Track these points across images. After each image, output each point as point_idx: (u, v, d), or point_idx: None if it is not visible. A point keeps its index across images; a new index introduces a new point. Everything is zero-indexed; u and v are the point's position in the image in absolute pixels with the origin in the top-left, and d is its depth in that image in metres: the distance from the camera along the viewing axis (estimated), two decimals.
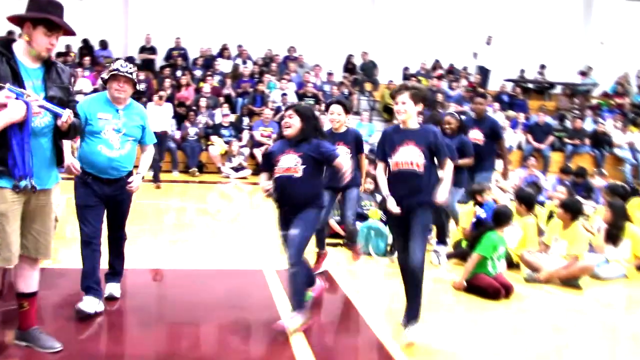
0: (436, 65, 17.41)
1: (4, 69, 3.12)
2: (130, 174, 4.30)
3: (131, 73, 4.18)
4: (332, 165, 4.28)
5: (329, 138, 4.58)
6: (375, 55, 16.94)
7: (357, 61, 17.00)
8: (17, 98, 3.03)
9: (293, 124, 4.26)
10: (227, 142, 12.88)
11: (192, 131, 12.79)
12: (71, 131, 3.37)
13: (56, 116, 3.26)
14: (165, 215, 8.76)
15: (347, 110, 5.61)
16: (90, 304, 4.13)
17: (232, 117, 13.69)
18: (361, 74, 16.70)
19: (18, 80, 3.15)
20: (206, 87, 14.19)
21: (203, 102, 13.43)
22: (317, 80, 15.78)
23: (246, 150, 12.98)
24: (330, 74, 16.15)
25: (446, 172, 4.15)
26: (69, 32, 3.31)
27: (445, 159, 4.16)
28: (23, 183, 3.17)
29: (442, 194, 4.05)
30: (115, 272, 4.58)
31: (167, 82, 13.81)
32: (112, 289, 4.53)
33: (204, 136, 13.02)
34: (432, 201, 4.08)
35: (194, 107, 13.32)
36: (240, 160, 12.75)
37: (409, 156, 4.07)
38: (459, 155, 6.64)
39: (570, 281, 5.78)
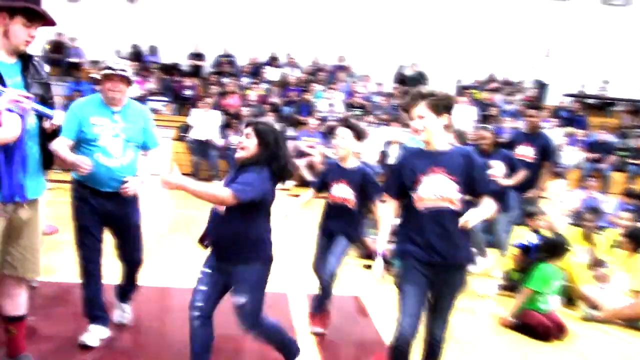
0: (491, 78, 16.75)
1: None
2: None
3: (125, 70, 3.65)
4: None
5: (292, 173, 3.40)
6: (426, 66, 16.40)
7: (409, 72, 16.51)
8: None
9: (248, 146, 3.24)
10: None
11: (235, 139, 12.50)
12: (57, 133, 3.00)
13: (42, 117, 2.87)
14: (199, 226, 8.43)
15: (359, 136, 4.30)
16: (95, 335, 3.78)
17: (277, 126, 13.34)
18: (412, 85, 16.20)
19: None
20: (252, 95, 13.95)
21: (246, 110, 13.16)
22: (366, 91, 15.36)
23: None
24: (379, 85, 15.71)
25: (485, 206, 3.11)
26: (50, 22, 2.92)
27: (486, 193, 3.14)
28: (9, 207, 2.83)
29: (472, 216, 2.99)
30: (126, 292, 4.14)
31: (214, 89, 13.63)
32: (121, 314, 4.09)
33: None
34: (471, 257, 3.24)
35: (238, 115, 13.07)
36: None
37: (439, 188, 3.05)
38: (507, 169, 6.10)
39: (634, 322, 5.15)
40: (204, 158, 10.96)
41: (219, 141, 12.34)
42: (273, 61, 15.94)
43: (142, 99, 14.05)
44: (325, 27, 16.11)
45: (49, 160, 3.08)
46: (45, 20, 2.91)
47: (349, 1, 16.38)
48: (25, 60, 2.96)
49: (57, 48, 14.79)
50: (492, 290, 5.72)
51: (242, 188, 3.09)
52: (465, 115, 13.26)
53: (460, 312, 4.70)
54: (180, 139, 12.90)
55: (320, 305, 4.44)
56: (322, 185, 4.50)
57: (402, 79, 16.40)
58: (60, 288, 4.82)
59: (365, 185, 4.28)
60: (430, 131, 3.07)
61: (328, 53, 16.23)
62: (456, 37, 16.38)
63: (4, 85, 2.74)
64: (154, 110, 14.00)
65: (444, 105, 3.07)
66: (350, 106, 14.28)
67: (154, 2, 16.07)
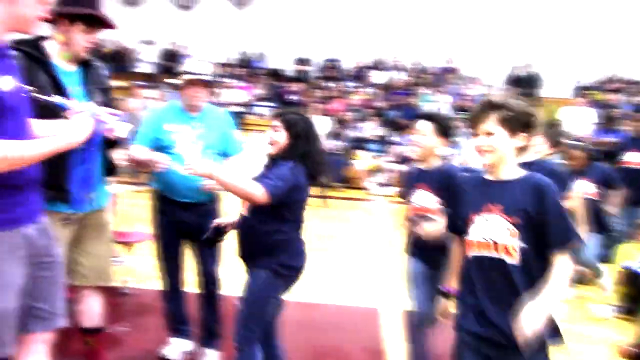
0: (613, 77, 15.59)
1: (42, 77, 2.63)
2: (215, 196, 3.56)
3: (207, 75, 3.47)
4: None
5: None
6: (541, 66, 15.51)
7: (522, 73, 15.68)
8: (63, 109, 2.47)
9: (277, 140, 2.91)
10: (374, 157, 12.32)
11: (337, 144, 12.37)
12: (119, 143, 2.91)
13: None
14: None
15: (444, 132, 3.31)
16: (175, 349, 3.68)
17: (381, 131, 13.12)
18: (525, 87, 15.37)
19: (60, 90, 2.65)
20: (356, 99, 13.79)
21: (350, 114, 13.01)
22: (475, 93, 14.74)
23: (394, 166, 12.33)
24: (489, 87, 15.02)
25: (559, 270, 2.21)
26: (110, 25, 2.83)
27: (562, 247, 2.23)
28: (76, 216, 2.78)
29: (533, 317, 2.10)
30: (212, 333, 3.68)
31: (319, 94, 13.60)
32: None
33: (349, 150, 12.56)
34: (549, 333, 2.28)
35: (342, 120, 12.94)
36: (387, 176, 12.12)
37: (491, 232, 2.27)
38: (604, 186, 5.41)
39: None
40: None
41: (329, 147, 12.12)
42: (378, 64, 15.72)
43: (248, 105, 14.29)
44: (433, 28, 15.65)
45: (110, 170, 3.01)
46: (105, 24, 2.82)
47: (455, 3, 15.79)
48: (85, 66, 2.89)
49: (170, 56, 15.33)
50: (608, 314, 5.15)
51: (275, 184, 2.73)
52: (584, 118, 12.40)
53: (574, 338, 4.24)
54: None
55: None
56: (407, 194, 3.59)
57: (515, 81, 15.61)
58: (153, 296, 4.80)
59: (449, 187, 3.12)
60: (499, 154, 2.30)
61: (435, 55, 15.76)
62: (574, 34, 15.37)
63: (65, 94, 2.66)
64: (260, 115, 14.19)
65: (521, 122, 2.30)
66: (458, 109, 13.76)
67: (261, 9, 16.31)
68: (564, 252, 2.23)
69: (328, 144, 12.35)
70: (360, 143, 12.67)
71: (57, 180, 2.61)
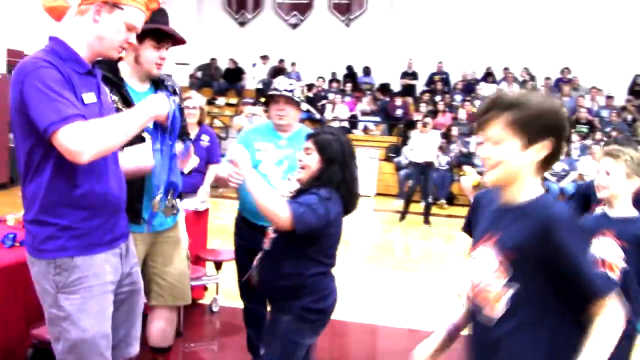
0: None
1: (116, 99, 2.61)
2: None
3: (291, 91, 3.34)
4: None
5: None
6: None
7: None
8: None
9: (309, 164, 2.60)
10: (480, 173, 11.86)
11: (443, 160, 12.04)
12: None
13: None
14: (390, 250, 8.14)
15: None
16: None
17: None
18: None
19: None
20: (462, 113, 13.37)
21: (455, 130, 12.61)
22: (593, 105, 13.85)
23: None
24: (609, 98, 14.05)
25: (596, 334, 1.57)
26: (180, 41, 2.79)
27: (597, 298, 1.57)
28: (149, 235, 2.81)
29: None
30: None
31: (425, 108, 13.32)
32: None
33: (456, 165, 12.19)
34: None
35: (447, 135, 12.60)
36: None
37: (479, 274, 1.72)
38: None
39: None
40: (422, 181, 10.55)
41: (439, 163, 11.75)
42: (488, 76, 15.19)
43: (355, 120, 14.27)
44: (546, 35, 14.85)
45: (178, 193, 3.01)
46: (174, 39, 2.80)
47: (571, 8, 14.94)
48: (158, 85, 2.87)
49: (278, 73, 15.66)
50: None
51: (303, 210, 2.40)
52: None
53: None
54: (388, 159, 12.78)
55: None
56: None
57: (637, 91, 14.54)
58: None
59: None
60: (508, 169, 1.67)
61: (549, 65, 14.95)
62: None
63: None
64: (365, 130, 14.13)
65: (540, 126, 1.64)
66: (575, 122, 12.98)
67: (368, 24, 16.29)
68: (602, 301, 1.58)
69: (435, 159, 12.07)
70: (467, 158, 12.27)
71: (131, 202, 2.63)
